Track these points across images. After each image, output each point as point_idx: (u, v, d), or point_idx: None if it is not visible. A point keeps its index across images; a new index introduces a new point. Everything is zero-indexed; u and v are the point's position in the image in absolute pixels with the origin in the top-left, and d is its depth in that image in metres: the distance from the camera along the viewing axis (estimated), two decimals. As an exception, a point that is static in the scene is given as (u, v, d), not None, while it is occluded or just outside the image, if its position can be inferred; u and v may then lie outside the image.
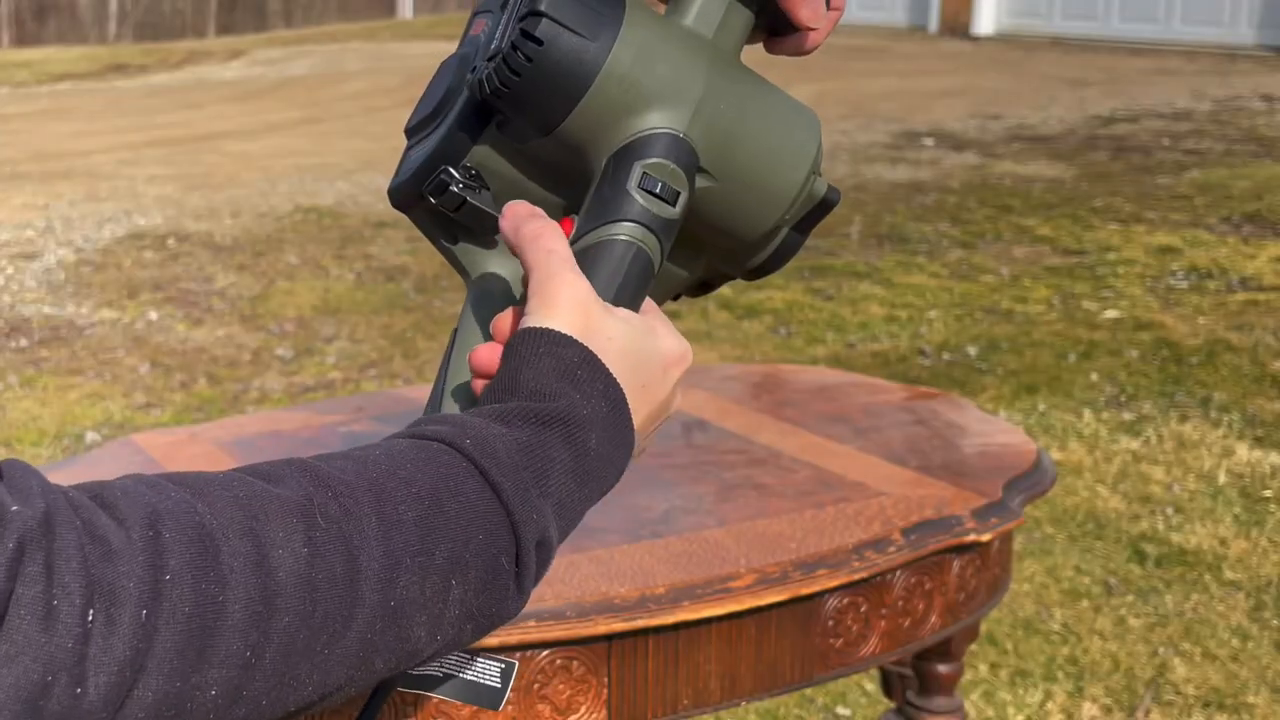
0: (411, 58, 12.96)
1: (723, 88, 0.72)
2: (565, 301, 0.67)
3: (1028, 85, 9.26)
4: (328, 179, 7.06)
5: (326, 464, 0.59)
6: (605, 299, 0.68)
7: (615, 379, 0.67)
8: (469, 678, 0.70)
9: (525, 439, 0.63)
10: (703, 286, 0.81)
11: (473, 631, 0.62)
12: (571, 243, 0.70)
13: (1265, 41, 10.38)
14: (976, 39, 11.71)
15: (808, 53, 0.77)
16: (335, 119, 9.58)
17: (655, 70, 0.70)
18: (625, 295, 0.69)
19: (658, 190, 0.69)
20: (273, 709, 0.55)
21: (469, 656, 0.71)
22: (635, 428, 0.68)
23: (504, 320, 0.70)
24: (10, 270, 5.33)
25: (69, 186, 7.02)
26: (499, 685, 0.71)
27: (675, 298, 0.82)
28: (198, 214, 6.26)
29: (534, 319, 0.67)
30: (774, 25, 0.76)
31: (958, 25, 11.97)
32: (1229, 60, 10.08)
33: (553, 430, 0.64)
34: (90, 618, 0.50)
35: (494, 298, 0.75)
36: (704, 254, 0.78)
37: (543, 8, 0.68)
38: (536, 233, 0.68)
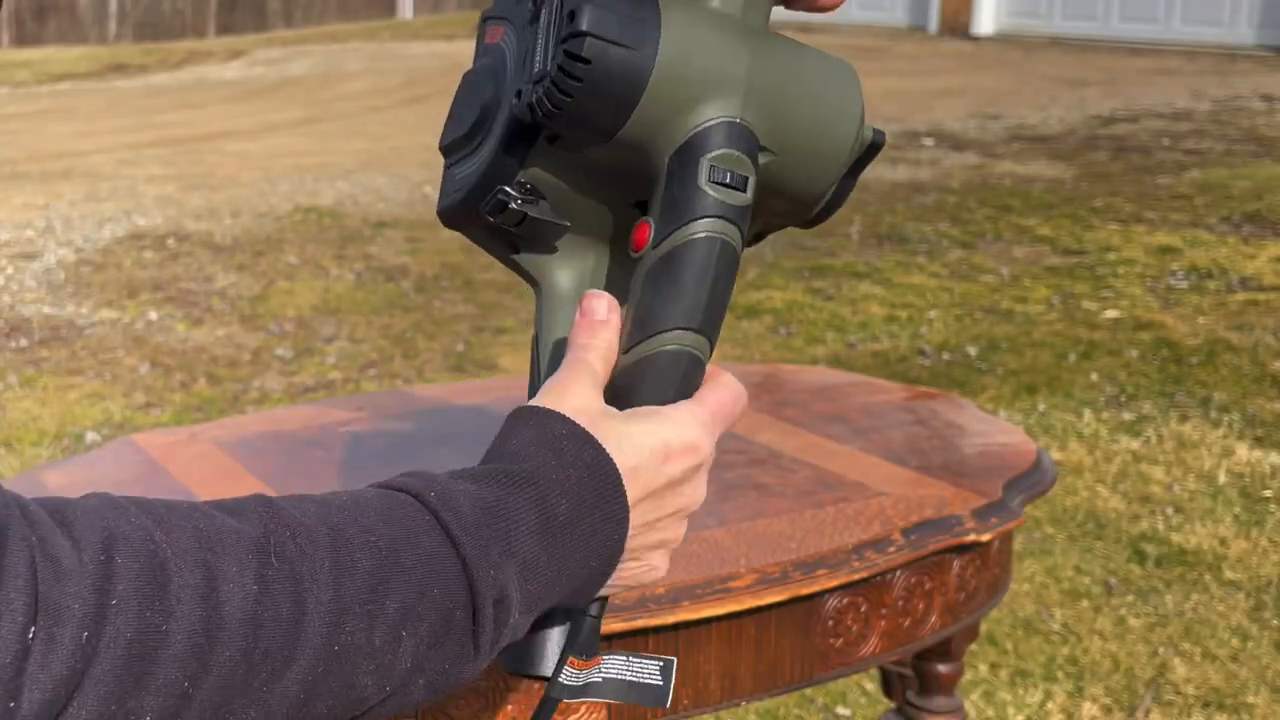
0: (411, 58, 12.96)
1: (765, 64, 0.73)
2: (572, 395, 0.69)
3: (1028, 85, 9.26)
4: (328, 179, 7.06)
5: (291, 504, 0.60)
6: (699, 298, 0.70)
7: (606, 452, 0.67)
8: (629, 679, 0.71)
9: (491, 498, 0.63)
10: (755, 238, 0.81)
11: (425, 688, 0.62)
12: (652, 247, 0.71)
13: (1265, 41, 10.39)
14: (976, 39, 11.71)
15: (828, 8, 0.78)
16: (335, 119, 9.58)
17: (701, 62, 0.71)
18: (719, 290, 0.71)
19: (728, 180, 0.70)
20: None
21: (626, 658, 0.72)
22: (629, 498, 0.67)
23: (593, 299, 0.73)
24: (10, 270, 5.33)
25: (69, 186, 7.02)
26: (661, 683, 0.72)
27: None
28: (198, 214, 6.26)
29: (536, 401, 0.69)
30: None
31: (958, 25, 11.97)
32: (1229, 60, 10.08)
33: (521, 492, 0.64)
34: (31, 634, 0.50)
35: (563, 300, 0.77)
36: (761, 215, 0.78)
37: (585, 26, 0.68)
38: (580, 336, 0.72)
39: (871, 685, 2.37)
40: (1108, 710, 2.32)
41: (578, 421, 0.67)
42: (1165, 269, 4.86)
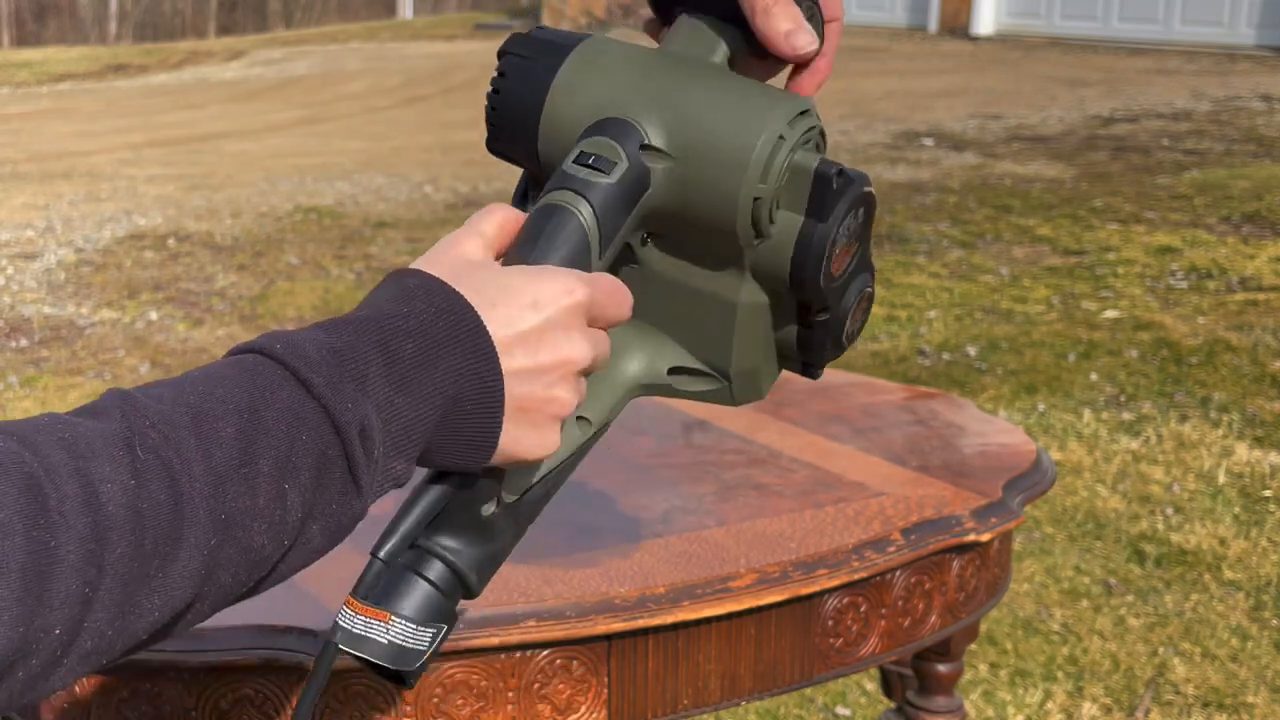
0: (411, 58, 12.96)
1: (677, 78, 0.76)
2: (437, 249, 0.72)
3: (1027, 85, 9.26)
4: (328, 179, 7.06)
5: (144, 393, 0.61)
6: (522, 251, 0.73)
7: (457, 293, 0.68)
8: (403, 644, 0.70)
9: (337, 342, 0.65)
10: (805, 368, 0.82)
11: (321, 533, 0.64)
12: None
13: (1265, 41, 10.39)
14: (976, 39, 11.71)
15: (792, 60, 0.77)
16: (335, 119, 9.59)
17: (605, 76, 0.77)
18: (539, 247, 0.73)
19: (590, 162, 0.74)
20: (122, 637, 0.57)
21: (415, 627, 0.71)
22: (495, 338, 0.68)
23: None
24: (10, 270, 5.33)
25: (69, 186, 7.02)
26: (424, 648, 0.71)
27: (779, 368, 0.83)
28: (198, 214, 6.26)
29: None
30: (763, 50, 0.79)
31: (957, 25, 11.98)
32: (1229, 60, 10.08)
33: (364, 335, 0.65)
34: None
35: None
36: (687, 235, 0.78)
37: (506, 46, 0.79)
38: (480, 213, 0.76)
39: (871, 685, 2.37)
40: (1107, 710, 2.32)
41: (436, 274, 0.69)
42: (1165, 269, 4.86)
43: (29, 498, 0.54)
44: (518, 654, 1.09)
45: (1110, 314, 4.39)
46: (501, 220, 0.75)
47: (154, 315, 4.72)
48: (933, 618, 1.29)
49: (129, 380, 4.07)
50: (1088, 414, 3.56)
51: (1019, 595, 2.67)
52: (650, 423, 1.54)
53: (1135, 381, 3.79)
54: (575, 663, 1.11)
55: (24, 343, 4.46)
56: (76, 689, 1.07)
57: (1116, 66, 10.04)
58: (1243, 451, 3.30)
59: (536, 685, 1.10)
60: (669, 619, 1.11)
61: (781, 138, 0.73)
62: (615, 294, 0.73)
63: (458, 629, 1.06)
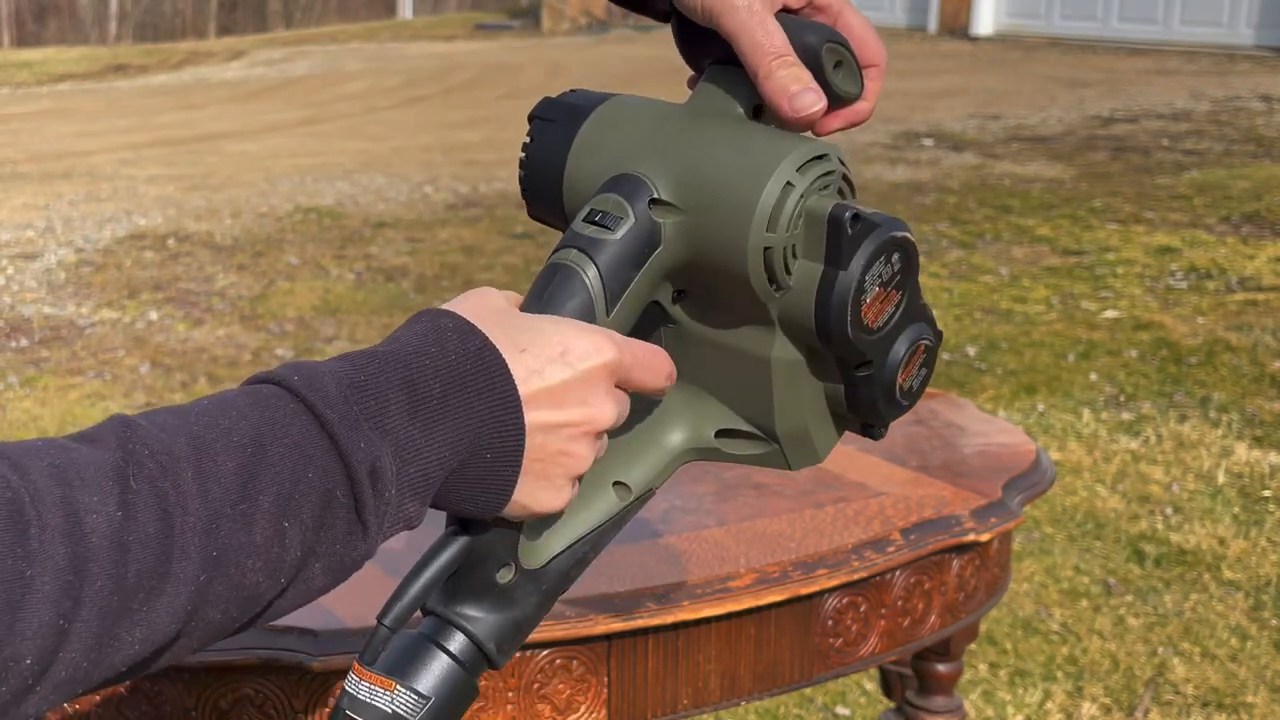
0: (411, 58, 12.96)
1: (691, 130, 0.75)
2: (465, 296, 0.71)
3: (1027, 85, 9.26)
4: (328, 179, 7.06)
5: (149, 420, 0.60)
6: (527, 308, 0.72)
7: (487, 337, 0.66)
8: (401, 711, 0.69)
9: (360, 376, 0.63)
10: (864, 428, 0.79)
11: (324, 573, 0.62)
12: None
13: (1265, 42, 10.39)
14: (975, 39, 11.71)
15: (797, 126, 0.75)
16: (335, 119, 9.59)
17: (621, 133, 0.76)
18: (542, 305, 0.72)
19: (597, 220, 0.73)
20: (98, 669, 0.56)
21: (417, 698, 0.70)
22: (520, 391, 0.66)
23: None
24: (10, 270, 5.33)
25: (69, 187, 7.02)
26: (401, 714, 0.70)
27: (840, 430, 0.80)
28: (198, 214, 6.26)
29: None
30: None
31: (957, 26, 11.98)
32: (1228, 60, 10.08)
33: (391, 371, 0.64)
34: None
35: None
36: (708, 288, 0.76)
37: (534, 110, 0.79)
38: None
39: (871, 685, 2.37)
40: (1107, 710, 2.32)
41: (469, 317, 0.67)
42: (1164, 269, 4.87)
43: (10, 524, 0.52)
44: (518, 654, 1.09)
45: (1110, 314, 4.39)
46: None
47: (154, 315, 4.72)
48: (932, 617, 1.29)
49: (129, 380, 4.07)
50: (1087, 414, 3.56)
51: (1018, 595, 2.68)
52: (650, 423, 1.54)
53: (1135, 381, 3.79)
54: (575, 662, 1.11)
55: (24, 343, 4.46)
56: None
57: (1116, 67, 10.04)
58: (1242, 451, 3.30)
59: (536, 685, 1.10)
60: (669, 619, 1.11)
61: (789, 184, 0.71)
62: (649, 361, 0.72)
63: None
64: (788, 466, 0.79)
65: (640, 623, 1.10)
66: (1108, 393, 3.72)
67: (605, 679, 1.13)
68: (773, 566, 1.17)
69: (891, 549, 1.23)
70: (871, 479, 1.37)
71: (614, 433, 0.77)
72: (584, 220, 0.74)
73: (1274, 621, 2.57)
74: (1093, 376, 3.83)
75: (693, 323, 0.77)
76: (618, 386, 0.71)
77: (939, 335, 0.77)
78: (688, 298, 0.77)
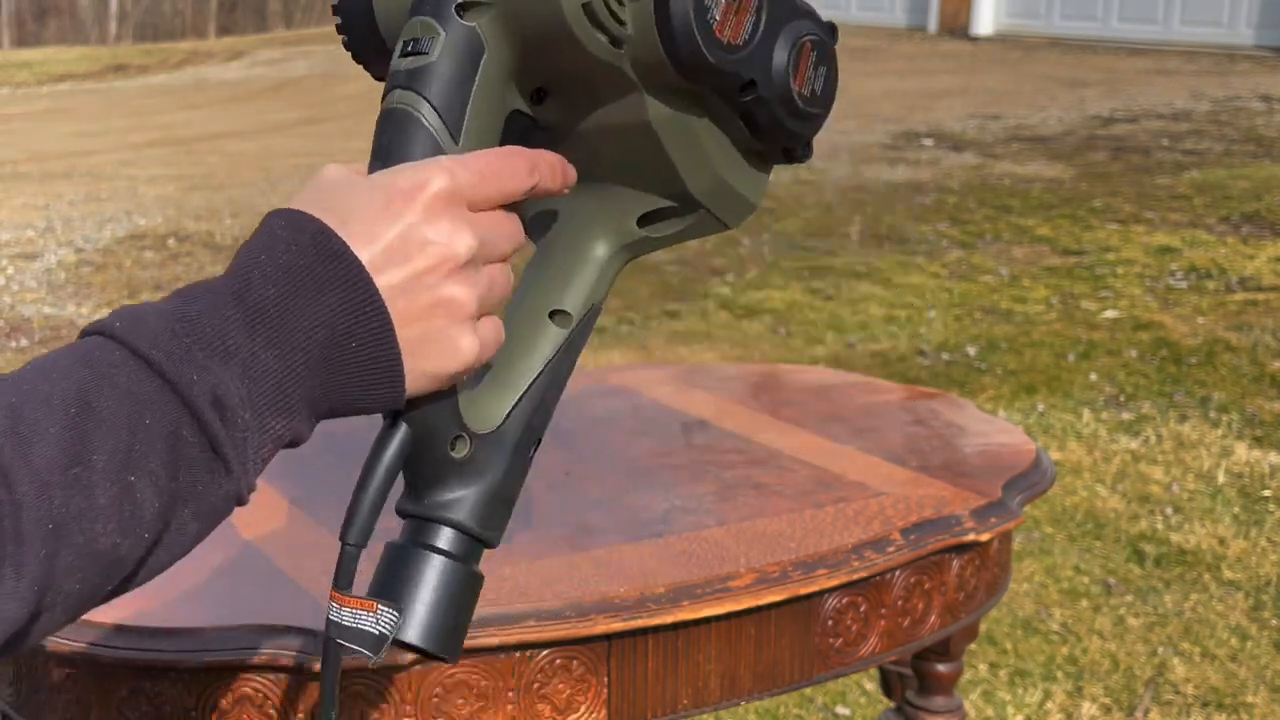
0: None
1: None
2: (310, 180, 0.67)
3: (1027, 85, 9.27)
4: (327, 179, 7.06)
5: None
6: (371, 167, 0.67)
7: (318, 222, 0.61)
8: (353, 624, 0.67)
9: (188, 309, 0.59)
10: (786, 155, 0.73)
11: (194, 517, 0.59)
12: None
13: (1265, 41, 10.39)
14: (975, 39, 11.71)
15: None
16: (335, 119, 9.59)
17: None
18: (382, 158, 0.66)
19: (411, 48, 0.67)
20: None
21: (397, 614, 0.66)
22: (361, 259, 0.61)
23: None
24: (10, 270, 5.34)
25: (69, 187, 7.02)
26: (386, 632, 0.66)
27: (758, 165, 0.73)
28: (198, 214, 6.26)
29: None
30: None
31: (957, 26, 11.98)
32: (1228, 60, 10.08)
33: (217, 294, 0.60)
34: None
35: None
36: (547, 62, 0.68)
37: None
38: None
39: (871, 685, 2.37)
40: (1107, 710, 2.32)
41: (304, 206, 0.63)
42: (1164, 269, 4.87)
43: None
44: (517, 654, 1.09)
45: (1110, 314, 4.39)
46: None
47: (154, 315, 4.73)
48: (932, 617, 1.29)
49: (129, 380, 4.07)
50: (1087, 414, 3.56)
51: (1018, 595, 2.68)
52: (650, 423, 1.55)
53: (1135, 381, 3.79)
54: (575, 662, 1.11)
55: (24, 343, 4.46)
56: (76, 688, 1.07)
57: (1116, 67, 10.04)
58: (1242, 451, 3.30)
59: (536, 685, 1.10)
60: (669, 619, 1.11)
61: None
62: (500, 166, 0.65)
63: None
64: (725, 226, 0.73)
65: (640, 623, 1.10)
66: (1108, 393, 3.72)
67: (605, 679, 1.13)
68: (773, 566, 1.17)
69: (891, 549, 1.23)
70: (871, 479, 1.37)
71: (539, 260, 0.74)
72: (400, 55, 0.68)
73: (1274, 621, 2.57)
74: (1093, 376, 3.83)
75: (565, 119, 0.71)
76: (477, 208, 0.65)
77: (828, 26, 0.71)
78: (548, 96, 0.70)
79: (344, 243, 0.61)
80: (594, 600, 1.10)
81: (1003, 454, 1.45)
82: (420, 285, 0.62)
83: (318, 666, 1.04)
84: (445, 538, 0.67)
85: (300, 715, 1.07)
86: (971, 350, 4.09)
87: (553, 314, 0.72)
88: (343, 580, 0.65)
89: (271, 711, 1.06)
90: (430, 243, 0.62)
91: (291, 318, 0.60)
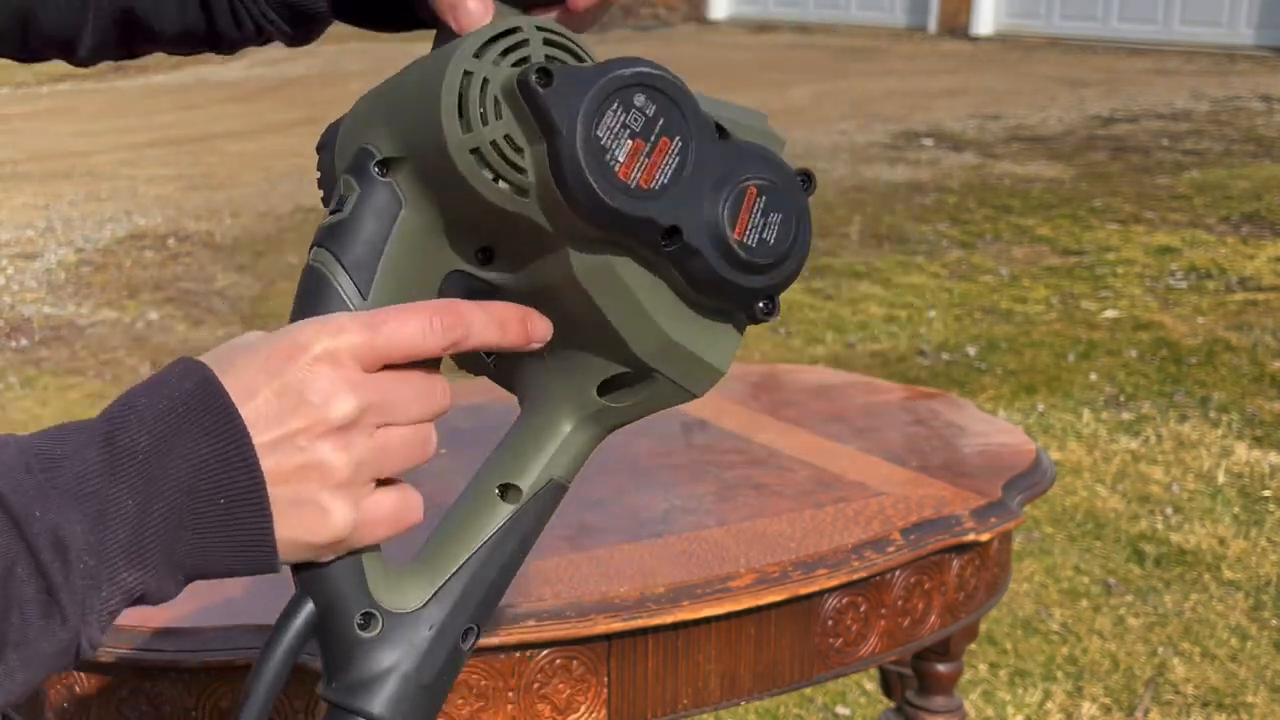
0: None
1: (399, 83, 0.67)
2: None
3: (1027, 85, 9.26)
4: (327, 179, 7.06)
5: None
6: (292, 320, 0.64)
7: (206, 370, 0.58)
8: None
9: (52, 445, 0.55)
10: (747, 313, 0.66)
11: (20, 664, 0.55)
12: None
13: (1265, 41, 10.39)
14: (975, 39, 11.71)
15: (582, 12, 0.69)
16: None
17: (355, 118, 0.69)
18: (299, 312, 0.64)
19: (332, 209, 0.65)
20: None
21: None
22: (240, 413, 0.58)
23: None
24: (10, 270, 5.34)
25: (69, 186, 7.02)
26: None
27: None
28: (198, 214, 6.26)
29: None
30: None
31: (957, 25, 11.98)
32: (1228, 60, 10.08)
33: (86, 431, 0.56)
34: None
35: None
36: (472, 221, 0.64)
37: (320, 140, 0.71)
38: None
39: (871, 685, 2.37)
40: (1107, 710, 2.32)
41: (209, 356, 0.60)
42: (1164, 269, 4.86)
43: None
44: (517, 654, 1.09)
45: (1110, 314, 4.39)
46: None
47: (154, 315, 4.72)
48: (932, 617, 1.29)
49: (129, 380, 4.07)
50: (1087, 414, 3.56)
51: (1018, 595, 2.67)
52: (650, 423, 1.55)
53: (1135, 381, 3.79)
54: (575, 663, 1.11)
55: (24, 343, 4.46)
56: (76, 688, 1.07)
57: (1116, 66, 10.04)
58: (1242, 451, 3.30)
59: (536, 685, 1.10)
60: (669, 619, 1.11)
61: (467, 72, 0.60)
62: (393, 323, 0.60)
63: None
64: (690, 394, 0.66)
65: (640, 623, 1.10)
66: (1108, 393, 3.72)
67: (605, 679, 1.13)
68: (773, 566, 1.17)
69: (891, 549, 1.23)
70: (871, 479, 1.36)
71: (505, 435, 0.69)
72: (328, 213, 0.65)
73: (1274, 621, 2.57)
74: (1093, 376, 3.83)
75: (513, 280, 0.66)
76: (372, 367, 0.60)
77: (789, 172, 0.64)
78: (494, 256, 0.66)
79: (225, 393, 0.58)
80: (594, 600, 1.10)
81: (1003, 454, 1.45)
82: (292, 445, 0.58)
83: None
84: None
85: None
86: (971, 350, 4.09)
87: (501, 489, 0.66)
88: None
89: (271, 712, 1.06)
90: (305, 402, 0.58)
91: (158, 465, 0.56)
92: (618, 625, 1.09)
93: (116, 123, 9.68)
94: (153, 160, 7.83)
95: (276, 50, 14.58)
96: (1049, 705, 2.33)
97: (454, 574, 0.64)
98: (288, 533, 0.59)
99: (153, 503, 0.56)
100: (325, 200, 0.69)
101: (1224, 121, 7.70)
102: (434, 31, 0.74)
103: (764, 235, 0.62)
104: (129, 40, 0.80)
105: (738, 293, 0.63)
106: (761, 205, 0.62)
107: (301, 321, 0.61)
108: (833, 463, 1.41)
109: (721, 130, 0.62)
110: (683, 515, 1.28)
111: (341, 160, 0.67)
